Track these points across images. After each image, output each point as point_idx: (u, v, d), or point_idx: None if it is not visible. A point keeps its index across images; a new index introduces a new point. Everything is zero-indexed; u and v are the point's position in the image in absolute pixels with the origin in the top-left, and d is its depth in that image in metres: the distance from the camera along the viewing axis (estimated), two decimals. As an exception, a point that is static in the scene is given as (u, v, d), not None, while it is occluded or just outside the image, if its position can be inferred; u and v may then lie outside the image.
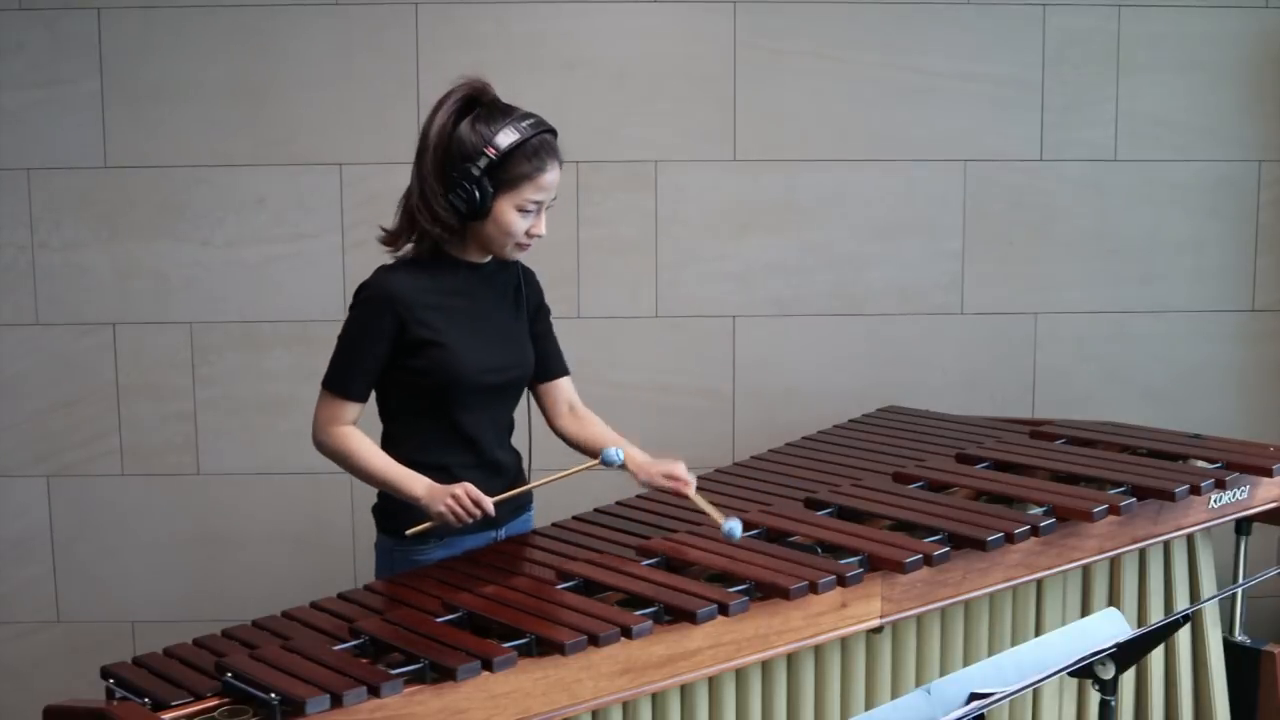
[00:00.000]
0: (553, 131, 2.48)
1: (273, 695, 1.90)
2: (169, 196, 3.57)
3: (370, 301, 2.47)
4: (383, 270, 2.51)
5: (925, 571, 2.36)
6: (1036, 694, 2.69)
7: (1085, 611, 2.70)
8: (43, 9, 3.48)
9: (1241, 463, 2.82)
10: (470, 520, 2.42)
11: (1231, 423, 3.73)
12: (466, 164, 2.41)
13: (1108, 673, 1.94)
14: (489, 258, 2.57)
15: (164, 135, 3.54)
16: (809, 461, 3.03)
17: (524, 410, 2.68)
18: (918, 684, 2.47)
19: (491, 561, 2.47)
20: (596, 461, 2.54)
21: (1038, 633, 2.64)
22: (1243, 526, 2.94)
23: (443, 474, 2.47)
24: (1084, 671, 1.93)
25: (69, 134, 3.53)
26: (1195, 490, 2.68)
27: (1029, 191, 3.72)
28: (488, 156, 2.40)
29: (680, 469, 2.53)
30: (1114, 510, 2.56)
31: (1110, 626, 2.01)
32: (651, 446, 3.50)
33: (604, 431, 2.67)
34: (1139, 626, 2.50)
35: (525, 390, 2.68)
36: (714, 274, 3.68)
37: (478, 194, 2.41)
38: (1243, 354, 3.81)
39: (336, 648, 2.10)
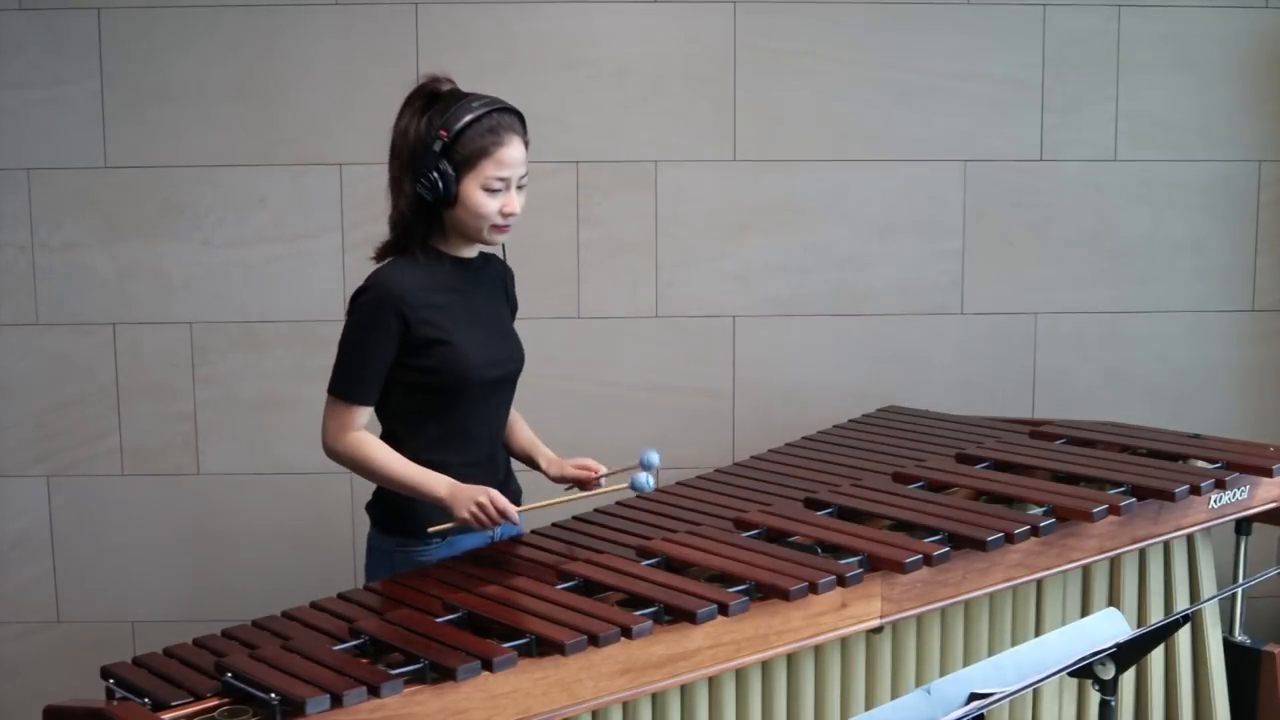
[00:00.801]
0: (511, 110, 2.48)
1: (273, 695, 1.90)
2: (169, 196, 3.57)
3: (373, 303, 2.45)
4: (381, 271, 2.50)
5: (925, 571, 2.36)
6: (1036, 694, 2.69)
7: (1085, 611, 2.70)
8: (43, 9, 3.48)
9: (1241, 463, 2.81)
10: (493, 527, 2.44)
11: (1231, 423, 3.73)
12: (426, 152, 2.42)
13: (1108, 673, 1.94)
14: (476, 252, 2.58)
15: (164, 135, 3.54)
16: (809, 461, 3.03)
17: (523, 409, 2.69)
18: (918, 684, 2.47)
19: (491, 561, 2.47)
20: (625, 485, 2.58)
21: (1038, 633, 2.64)
22: (1243, 526, 2.94)
23: (445, 471, 2.48)
24: (1084, 671, 1.93)
25: (69, 134, 3.53)
26: (1195, 490, 2.68)
27: (1029, 191, 3.72)
28: (441, 140, 2.41)
29: (590, 461, 2.64)
30: (1114, 510, 2.56)
31: (1110, 626, 2.01)
32: (651, 447, 3.51)
33: (523, 433, 2.75)
34: (1139, 626, 2.50)
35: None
36: (714, 274, 3.68)
37: (439, 179, 2.42)
38: (1243, 354, 3.81)
39: (336, 648, 2.10)
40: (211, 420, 3.63)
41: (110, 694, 2.06)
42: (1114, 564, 2.74)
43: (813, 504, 2.68)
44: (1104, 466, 2.81)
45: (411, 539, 2.52)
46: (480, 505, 2.40)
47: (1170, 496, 2.64)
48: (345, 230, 3.59)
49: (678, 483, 2.91)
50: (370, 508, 2.62)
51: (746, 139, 3.64)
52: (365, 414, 2.49)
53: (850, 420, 3.43)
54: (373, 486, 2.58)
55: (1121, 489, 2.67)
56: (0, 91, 3.51)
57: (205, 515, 3.65)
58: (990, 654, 2.49)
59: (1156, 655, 2.83)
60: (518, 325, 2.71)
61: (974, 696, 1.80)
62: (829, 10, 3.61)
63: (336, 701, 1.89)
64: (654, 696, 2.20)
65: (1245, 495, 2.80)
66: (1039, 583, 2.62)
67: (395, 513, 2.54)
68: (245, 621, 2.27)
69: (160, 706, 1.96)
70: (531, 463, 2.73)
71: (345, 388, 2.48)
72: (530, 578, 2.35)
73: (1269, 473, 2.80)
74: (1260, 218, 3.77)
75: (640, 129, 3.63)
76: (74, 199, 3.56)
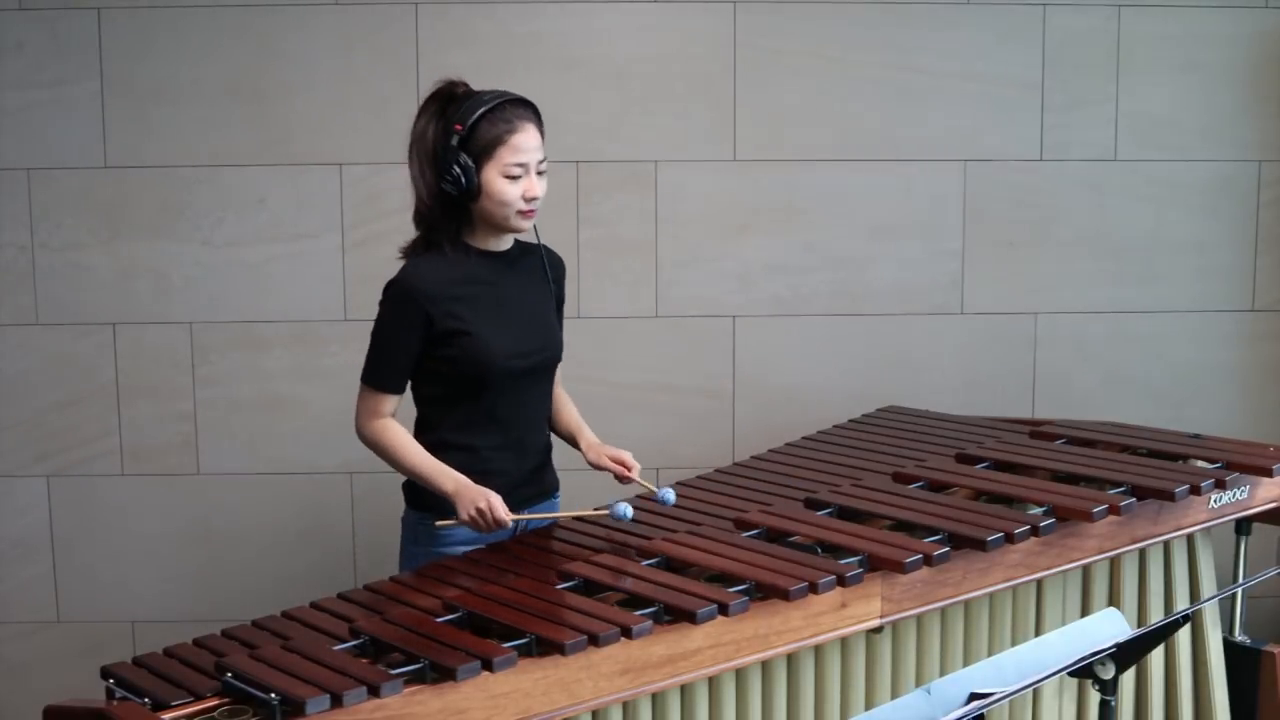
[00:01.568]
0: (524, 101, 2.58)
1: (273, 695, 1.90)
2: (169, 196, 3.57)
3: (397, 297, 2.56)
4: (408, 265, 2.60)
5: (925, 571, 2.36)
6: (1036, 694, 2.69)
7: (1085, 611, 2.70)
8: (43, 9, 3.48)
9: (1241, 463, 2.82)
10: (489, 532, 2.53)
11: (1231, 423, 3.73)
12: (444, 149, 2.53)
13: (1108, 673, 1.94)
14: (510, 243, 2.67)
15: (164, 135, 3.54)
16: (809, 461, 3.03)
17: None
18: (918, 684, 2.47)
19: (491, 561, 2.47)
20: (606, 511, 2.61)
21: (1038, 633, 2.64)
22: (1243, 526, 2.94)
23: (472, 455, 2.59)
24: (1084, 671, 1.93)
25: (69, 134, 3.53)
26: (1195, 490, 2.68)
27: (1029, 191, 3.71)
28: (457, 133, 2.51)
29: (628, 456, 2.70)
30: (1114, 510, 2.56)
31: (1110, 626, 2.01)
32: (651, 446, 3.52)
33: (567, 412, 2.83)
34: (1139, 626, 2.50)
35: None
36: (714, 274, 3.68)
37: (460, 172, 2.51)
38: (1243, 354, 3.81)
39: (336, 648, 2.10)
40: (211, 420, 3.63)
41: (110, 694, 2.06)
42: (1114, 564, 2.74)
43: (813, 504, 2.68)
44: (1104, 466, 2.81)
45: (433, 514, 2.60)
46: (479, 510, 2.49)
47: (1170, 496, 2.64)
48: (345, 230, 3.59)
49: (678, 483, 2.91)
50: (405, 485, 2.72)
51: (746, 139, 3.64)
52: (393, 401, 2.60)
53: (850, 420, 3.43)
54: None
55: (1121, 489, 2.67)
56: (0, 91, 3.51)
57: (205, 515, 3.65)
58: (990, 654, 2.50)
59: (1156, 655, 2.83)
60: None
61: (974, 696, 1.81)
62: (829, 10, 3.61)
63: (336, 701, 1.89)
64: (654, 696, 2.20)
65: (1245, 495, 2.80)
66: (1039, 583, 2.63)
67: (420, 489, 2.64)
68: (245, 621, 2.27)
69: (160, 706, 1.96)
70: (574, 443, 2.81)
71: (372, 376, 2.60)
72: (530, 578, 2.35)
73: (1269, 473, 2.80)
74: (1260, 218, 3.77)
75: (640, 129, 3.63)
76: (74, 199, 3.56)
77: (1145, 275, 3.76)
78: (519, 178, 2.54)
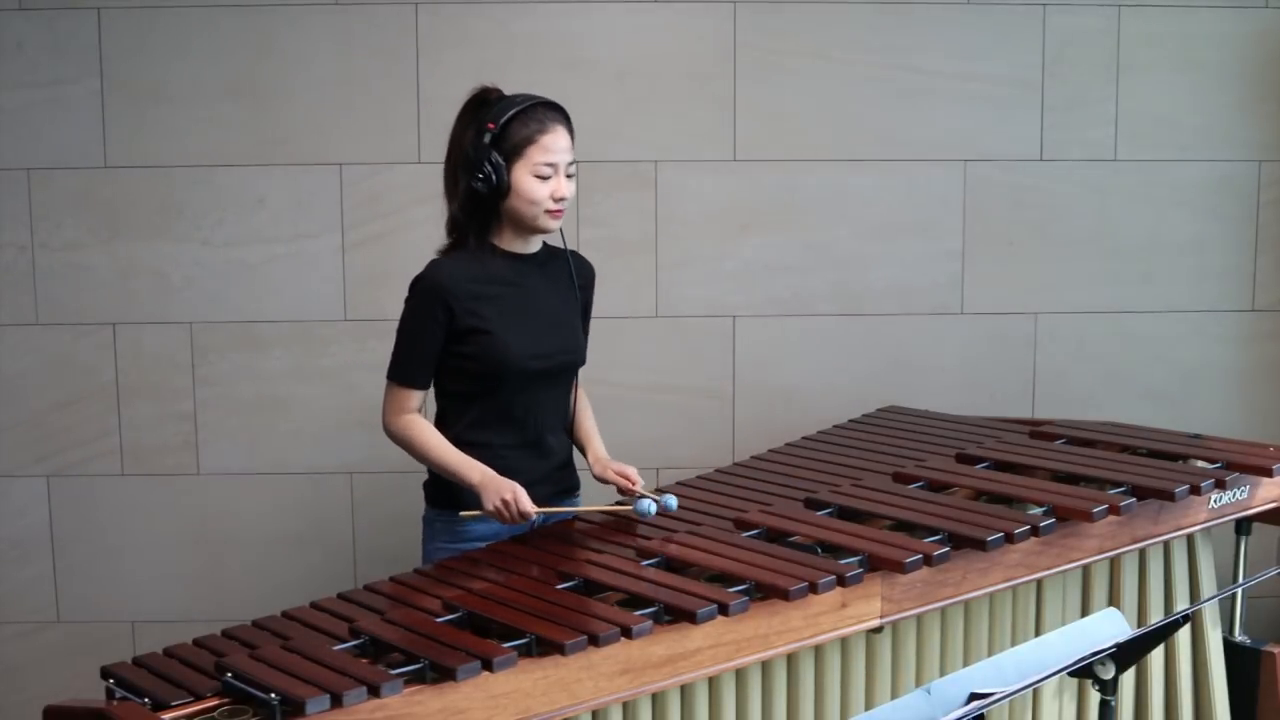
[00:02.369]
0: (554, 104, 2.63)
1: (273, 695, 1.90)
2: (169, 196, 3.57)
3: (422, 293, 2.61)
4: (434, 262, 2.65)
5: (925, 571, 2.36)
6: (1036, 694, 2.69)
7: (1085, 611, 2.71)
8: (43, 9, 3.48)
9: (1241, 463, 2.82)
10: (513, 524, 2.56)
11: (1231, 423, 3.73)
12: (476, 147, 2.57)
13: (1108, 673, 1.94)
14: (538, 246, 2.71)
15: (164, 135, 3.54)
16: (809, 461, 3.03)
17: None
18: (918, 684, 2.47)
19: (491, 561, 2.47)
20: (630, 508, 2.64)
21: (1038, 633, 2.64)
22: (1243, 526, 2.94)
23: (487, 451, 2.63)
24: (1084, 671, 1.93)
25: (69, 134, 3.53)
26: (1195, 490, 2.68)
27: (1029, 191, 3.71)
28: (490, 132, 2.56)
29: (633, 471, 2.70)
30: (1114, 510, 2.56)
31: (1110, 626, 2.01)
32: (651, 446, 3.52)
33: (582, 419, 2.85)
34: (1139, 626, 2.50)
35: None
36: (714, 274, 3.68)
37: (491, 170, 2.56)
38: (1243, 354, 3.81)
39: (336, 648, 2.10)
40: (211, 420, 3.63)
41: (110, 694, 2.06)
42: (1114, 564, 2.74)
43: (813, 504, 2.68)
44: (1104, 466, 2.81)
45: (451, 512, 2.65)
46: (505, 501, 2.53)
47: (1170, 496, 2.64)
48: (345, 230, 3.58)
49: (678, 483, 2.92)
50: (425, 485, 2.76)
51: (746, 139, 3.64)
52: (418, 397, 2.66)
53: (850, 420, 3.43)
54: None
55: (1121, 489, 2.67)
56: (0, 91, 3.51)
57: (205, 515, 3.65)
58: (990, 654, 2.49)
59: (1156, 655, 2.83)
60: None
61: (974, 696, 1.80)
62: (829, 10, 3.61)
63: (336, 701, 1.89)
64: (654, 696, 2.20)
65: (1245, 495, 2.80)
66: (1039, 583, 2.63)
67: (441, 487, 2.68)
68: (245, 621, 2.27)
69: (160, 706, 1.96)
70: (583, 452, 2.84)
71: (398, 371, 2.65)
72: (530, 578, 2.35)
73: (1269, 473, 2.80)
74: (1260, 218, 3.77)
75: (640, 129, 3.62)
76: (74, 199, 3.55)
77: (1145, 275, 3.76)
78: (548, 178, 2.59)
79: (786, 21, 3.61)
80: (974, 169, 3.69)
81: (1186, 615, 2.19)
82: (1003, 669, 1.88)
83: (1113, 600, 2.75)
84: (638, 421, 3.65)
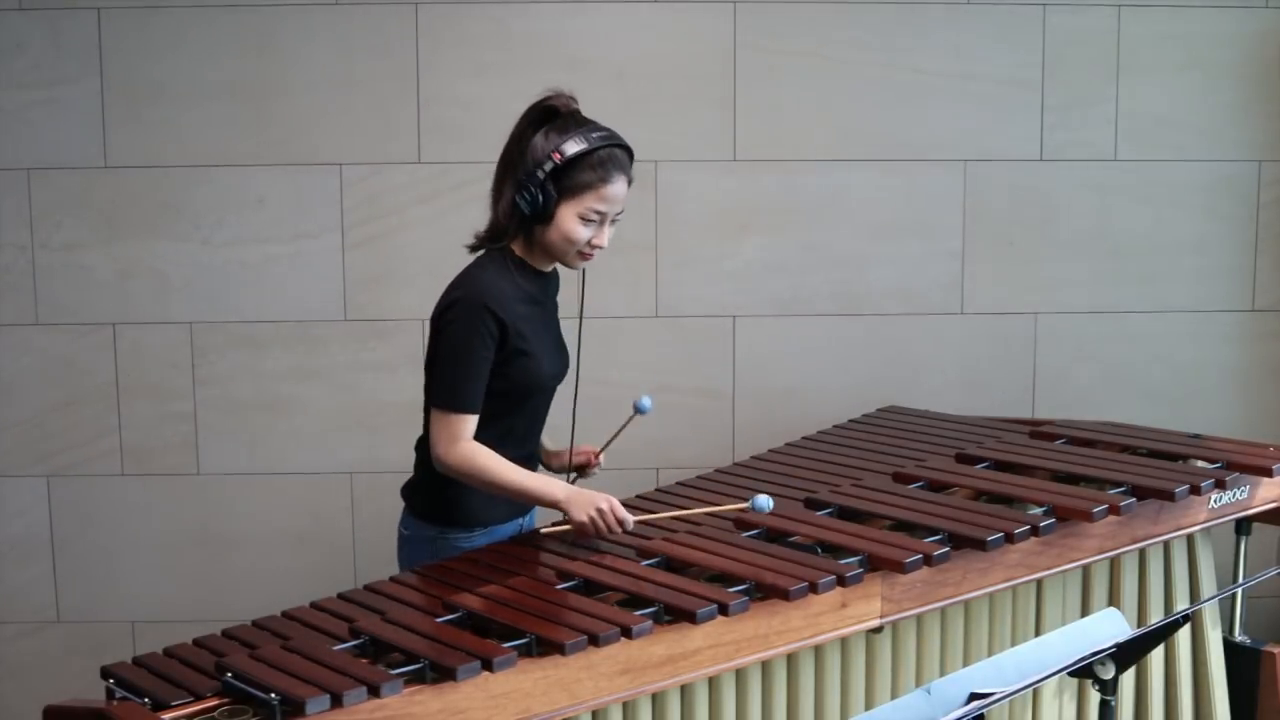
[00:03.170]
0: (626, 148, 2.55)
1: (273, 695, 1.90)
2: (169, 196, 3.57)
3: (476, 312, 2.47)
4: (477, 280, 2.52)
5: (925, 571, 2.36)
6: (1036, 694, 2.69)
7: (1085, 611, 2.70)
8: (43, 9, 3.48)
9: (1241, 463, 2.82)
10: (611, 534, 2.48)
11: (1231, 423, 3.73)
12: (534, 168, 2.47)
13: (1108, 673, 1.94)
14: (551, 266, 2.64)
15: (164, 135, 3.54)
16: (809, 461, 3.03)
17: (562, 405, 2.73)
18: (918, 684, 2.47)
19: (491, 561, 2.47)
20: (745, 505, 2.55)
21: (1038, 633, 2.64)
22: (1243, 526, 2.94)
23: None
24: (1084, 671, 1.93)
25: (69, 134, 3.53)
26: (1195, 490, 2.68)
27: (1029, 191, 3.71)
28: (553, 161, 2.46)
29: (586, 447, 2.75)
30: (1114, 510, 2.56)
31: (1110, 626, 2.01)
32: (651, 446, 3.52)
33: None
34: (1139, 626, 2.50)
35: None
36: (714, 274, 3.68)
37: (540, 197, 2.46)
38: (1243, 354, 3.81)
39: (336, 648, 2.10)
40: (211, 420, 3.63)
41: (110, 694, 2.06)
42: (1114, 564, 2.74)
43: (813, 504, 2.68)
44: (1104, 466, 2.81)
45: (456, 528, 2.58)
46: (600, 511, 2.46)
47: (1170, 496, 2.64)
48: (345, 230, 3.58)
49: (678, 483, 2.92)
50: (410, 494, 2.66)
51: (746, 139, 3.64)
52: (474, 423, 2.50)
53: (850, 420, 3.43)
54: (407, 472, 2.66)
55: (1121, 489, 2.67)
56: (0, 91, 3.51)
57: (205, 515, 3.65)
58: (990, 654, 2.49)
59: (1156, 655, 2.83)
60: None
61: (974, 696, 1.80)
62: (829, 10, 3.61)
63: (336, 701, 1.89)
64: (654, 696, 2.20)
65: (1245, 495, 2.80)
66: (1039, 583, 2.63)
67: (442, 502, 2.59)
68: (245, 621, 2.27)
69: (160, 706, 1.96)
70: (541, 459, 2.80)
71: (453, 399, 2.47)
72: (530, 578, 2.35)
73: (1269, 473, 2.80)
74: (1260, 218, 3.77)
75: (640, 129, 3.59)
76: (74, 199, 3.55)
77: (1145, 275, 3.76)
78: (594, 223, 2.51)
79: (786, 21, 3.61)
80: (974, 169, 3.69)
81: (1186, 615, 2.19)
82: (1003, 669, 1.88)
83: (1113, 600, 2.75)
84: (638, 421, 3.64)
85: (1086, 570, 2.70)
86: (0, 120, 3.52)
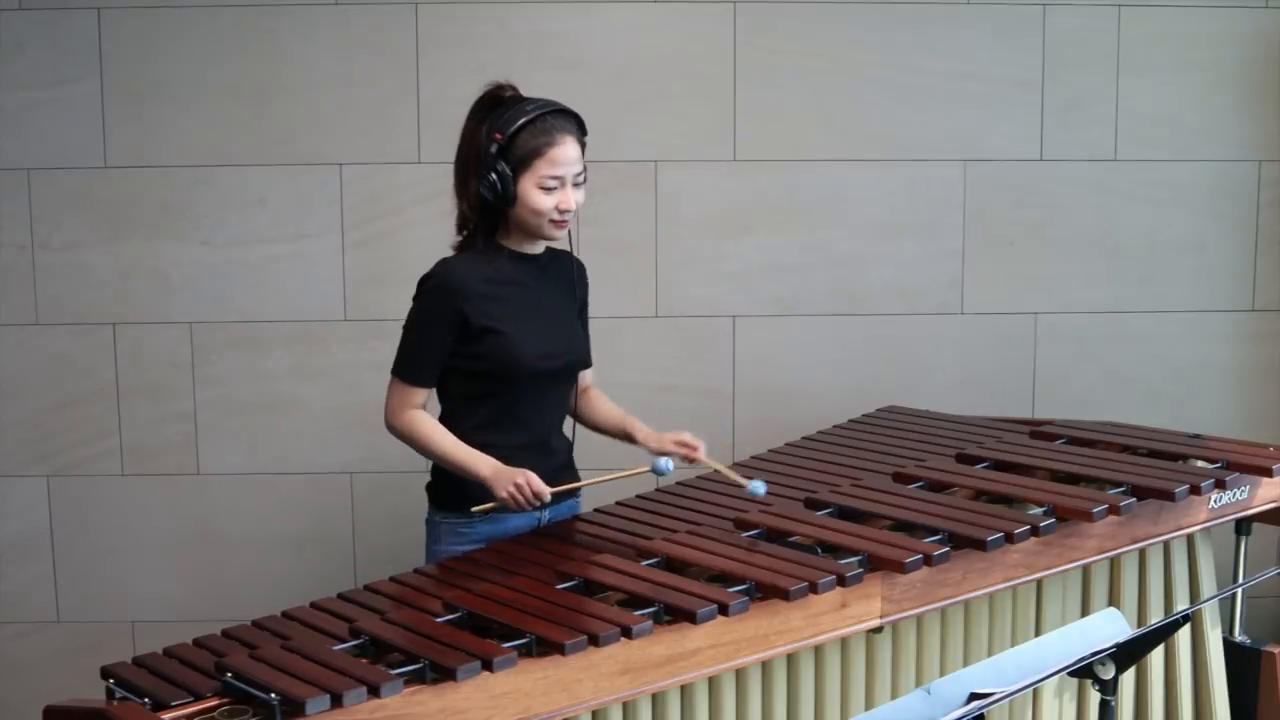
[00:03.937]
0: (566, 111, 2.61)
1: (273, 695, 1.90)
2: (169, 196, 3.57)
3: (432, 292, 2.61)
4: (443, 262, 2.65)
5: (925, 571, 2.36)
6: (1036, 694, 2.69)
7: (1085, 611, 2.70)
8: (43, 9, 3.48)
9: (1241, 463, 2.82)
10: (529, 508, 2.57)
11: (1231, 423, 3.73)
12: (485, 154, 2.56)
13: (1108, 673, 1.94)
14: (542, 248, 2.71)
15: (164, 135, 3.54)
16: (809, 461, 3.03)
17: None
18: (918, 684, 2.47)
19: (491, 561, 2.47)
20: (646, 468, 2.66)
21: (1038, 633, 2.64)
22: (1243, 526, 2.94)
23: (493, 452, 2.61)
24: (1084, 671, 1.93)
25: (69, 134, 3.53)
26: (1195, 490, 2.68)
27: (1029, 191, 3.71)
28: (497, 141, 2.55)
29: (688, 435, 2.72)
30: (1114, 510, 2.56)
31: (1110, 626, 2.01)
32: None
33: (610, 407, 2.85)
34: (1139, 626, 2.50)
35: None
36: (714, 274, 3.68)
37: (497, 180, 2.55)
38: (1243, 354, 3.81)
39: (336, 648, 2.10)
40: (211, 420, 3.63)
41: (110, 694, 2.06)
42: (1114, 564, 2.74)
43: (813, 504, 2.68)
44: (1104, 466, 2.81)
45: (458, 514, 2.64)
46: (517, 485, 2.53)
47: (1170, 496, 2.64)
48: (345, 230, 3.58)
49: (678, 483, 2.92)
50: (428, 487, 2.75)
51: (746, 139, 3.64)
52: (422, 394, 2.64)
53: (850, 420, 3.43)
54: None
55: (1121, 489, 2.67)
56: (0, 91, 3.51)
57: (205, 515, 3.65)
58: (990, 654, 2.49)
59: (1156, 655, 2.83)
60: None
61: (974, 696, 1.80)
62: (829, 10, 3.61)
63: (336, 701, 1.89)
64: (654, 696, 2.20)
65: (1245, 495, 2.79)
66: (1039, 583, 2.63)
67: (446, 490, 2.68)
68: (245, 621, 2.27)
69: (160, 706, 1.96)
70: (627, 436, 2.81)
71: (403, 369, 2.64)
72: (530, 578, 2.35)
73: (1269, 473, 2.80)
74: (1260, 218, 3.77)
75: (640, 129, 3.62)
76: (74, 199, 3.55)
77: (1145, 275, 3.76)
78: (554, 189, 2.58)
79: (786, 21, 3.61)
80: (974, 169, 3.69)
81: (1186, 615, 2.19)
82: (1003, 669, 1.88)
83: (1113, 600, 2.75)
84: (637, 421, 3.64)
85: (1086, 570, 2.70)
86: (0, 120, 3.52)
